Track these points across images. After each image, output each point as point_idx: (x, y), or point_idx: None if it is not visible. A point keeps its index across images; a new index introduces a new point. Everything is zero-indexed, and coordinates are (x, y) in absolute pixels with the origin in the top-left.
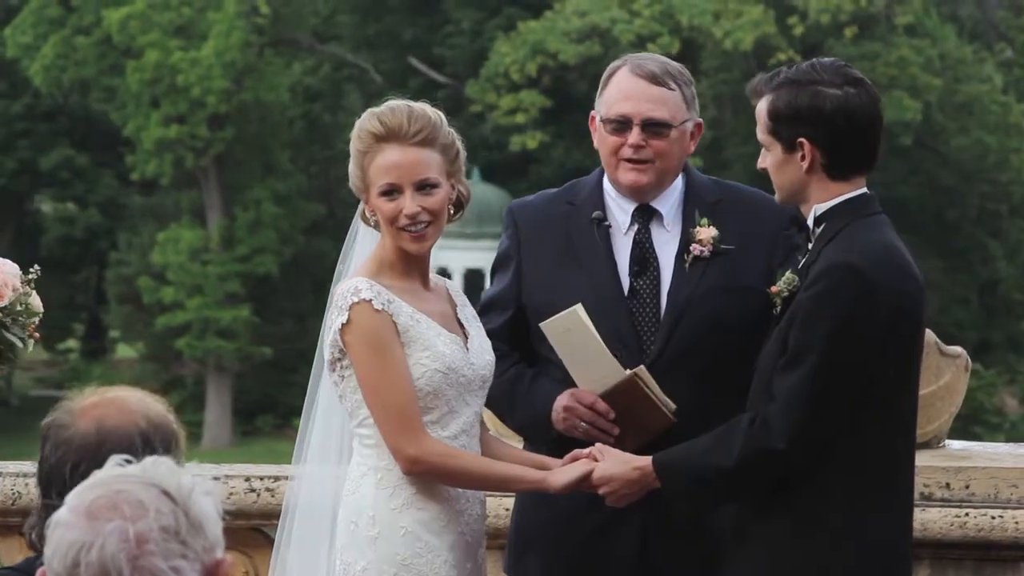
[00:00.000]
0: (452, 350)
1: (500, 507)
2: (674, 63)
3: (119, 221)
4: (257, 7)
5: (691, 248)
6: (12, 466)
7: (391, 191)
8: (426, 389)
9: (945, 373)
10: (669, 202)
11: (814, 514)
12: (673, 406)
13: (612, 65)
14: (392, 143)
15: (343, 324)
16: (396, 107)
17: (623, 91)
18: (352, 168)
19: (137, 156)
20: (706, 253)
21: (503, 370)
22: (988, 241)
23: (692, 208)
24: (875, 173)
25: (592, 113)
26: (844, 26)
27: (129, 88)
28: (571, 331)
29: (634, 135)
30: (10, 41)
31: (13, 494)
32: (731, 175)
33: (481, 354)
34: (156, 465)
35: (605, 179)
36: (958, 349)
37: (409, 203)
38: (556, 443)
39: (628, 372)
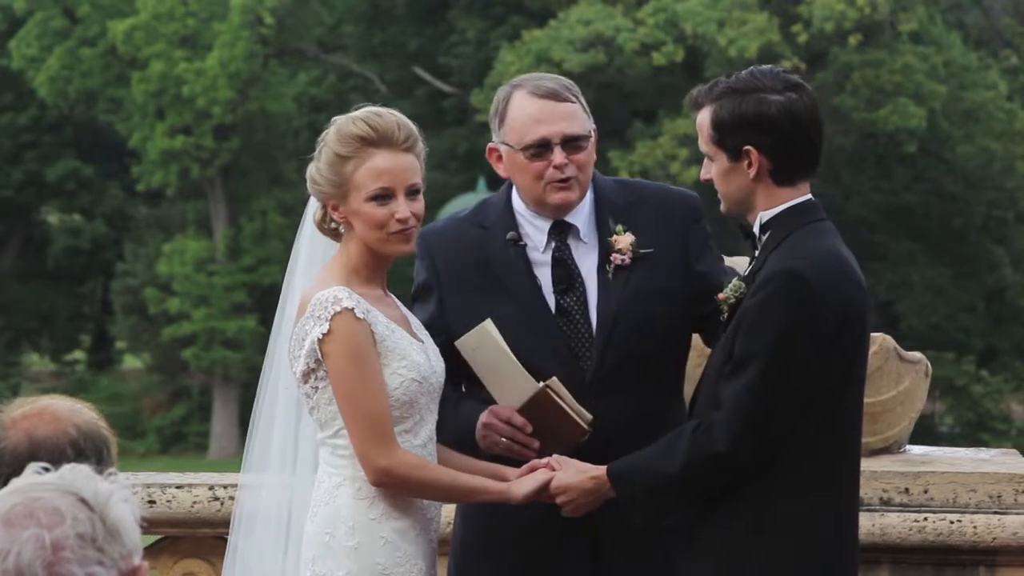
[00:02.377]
0: (422, 359)
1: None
2: (563, 78)
3: (125, 232)
4: (261, 18)
5: (612, 258)
6: None
7: (384, 196)
8: (403, 399)
9: (905, 379)
10: (583, 214)
11: (760, 516)
12: (589, 416)
13: (503, 93)
14: (383, 148)
15: (323, 334)
16: (382, 112)
17: (533, 115)
18: (325, 173)
19: (143, 167)
20: (627, 260)
21: None
22: (994, 248)
23: (605, 216)
24: (880, 180)
25: (491, 145)
26: (848, 34)
27: (134, 99)
28: (483, 347)
29: (558, 155)
30: (15, 53)
31: None
32: None
33: (438, 361)
34: (73, 472)
35: (514, 199)
36: (918, 355)
37: (403, 207)
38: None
39: (540, 384)
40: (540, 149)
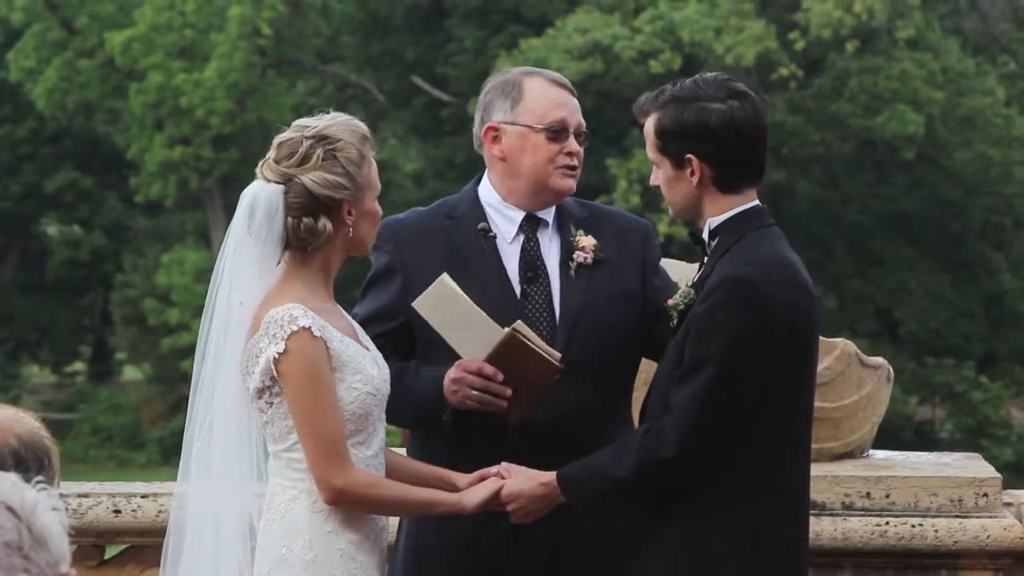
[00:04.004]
0: (375, 370)
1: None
2: None
3: (124, 243)
4: (259, 28)
5: (574, 256)
6: None
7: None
8: (358, 412)
9: (867, 384)
10: (551, 213)
11: (712, 518)
12: (558, 355)
13: (514, 77)
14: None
15: (279, 354)
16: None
17: (554, 99)
18: (355, 175)
19: (141, 178)
20: (589, 260)
21: None
22: (992, 254)
23: (566, 221)
24: (878, 187)
25: (492, 123)
26: (845, 40)
27: (132, 110)
28: (442, 301)
29: (572, 142)
30: (13, 65)
31: None
32: None
33: (384, 367)
34: (0, 481)
35: (482, 193)
36: (879, 360)
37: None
38: (452, 422)
39: (507, 329)
40: (558, 133)
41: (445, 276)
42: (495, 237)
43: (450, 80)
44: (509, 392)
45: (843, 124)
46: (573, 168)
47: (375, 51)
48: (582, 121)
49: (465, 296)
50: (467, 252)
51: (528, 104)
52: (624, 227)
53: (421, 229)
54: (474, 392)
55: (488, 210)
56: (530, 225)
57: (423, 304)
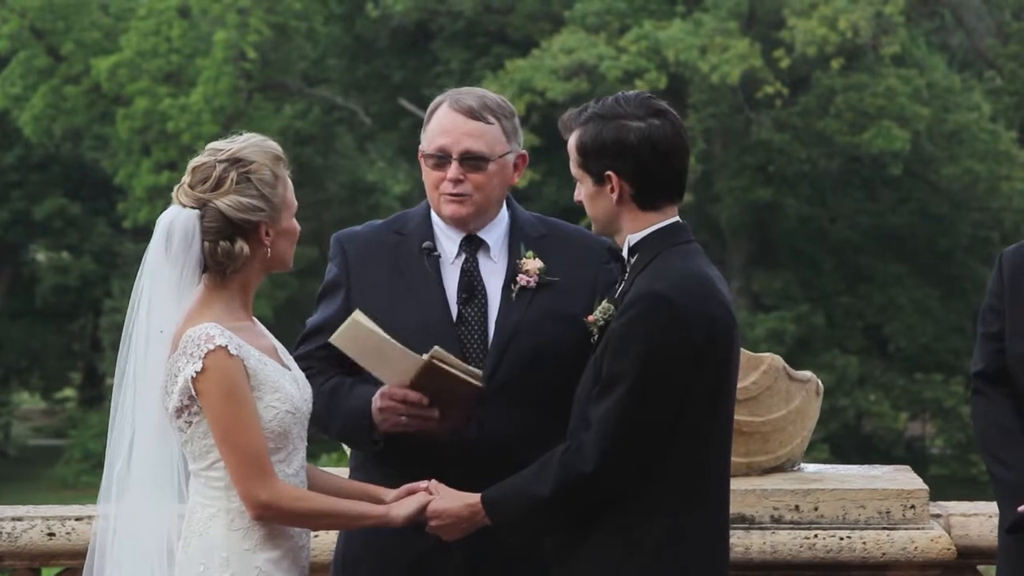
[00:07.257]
0: (294, 389)
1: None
2: (494, 96)
3: (113, 269)
4: (244, 52)
5: (517, 278)
6: None
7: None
8: (277, 431)
9: (795, 398)
10: (496, 233)
11: (634, 531)
12: (479, 372)
13: (435, 101)
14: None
15: (197, 372)
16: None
17: (442, 126)
18: (270, 197)
19: (129, 204)
20: (532, 283)
21: (321, 383)
22: (980, 269)
23: (518, 241)
24: (865, 203)
25: (420, 148)
26: (830, 58)
27: (119, 136)
28: (357, 338)
29: (452, 169)
30: (0, 92)
31: None
32: (722, 208)
33: (306, 387)
34: None
35: (433, 210)
36: (808, 374)
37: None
38: (383, 444)
39: (424, 357)
40: (439, 160)
41: (358, 313)
42: (439, 256)
43: None
44: (437, 413)
45: (829, 141)
46: (457, 195)
47: (361, 74)
48: (470, 147)
49: (379, 331)
50: (409, 271)
51: (427, 131)
52: (580, 247)
53: (370, 243)
54: (403, 418)
55: (436, 229)
56: (470, 247)
57: (340, 339)
